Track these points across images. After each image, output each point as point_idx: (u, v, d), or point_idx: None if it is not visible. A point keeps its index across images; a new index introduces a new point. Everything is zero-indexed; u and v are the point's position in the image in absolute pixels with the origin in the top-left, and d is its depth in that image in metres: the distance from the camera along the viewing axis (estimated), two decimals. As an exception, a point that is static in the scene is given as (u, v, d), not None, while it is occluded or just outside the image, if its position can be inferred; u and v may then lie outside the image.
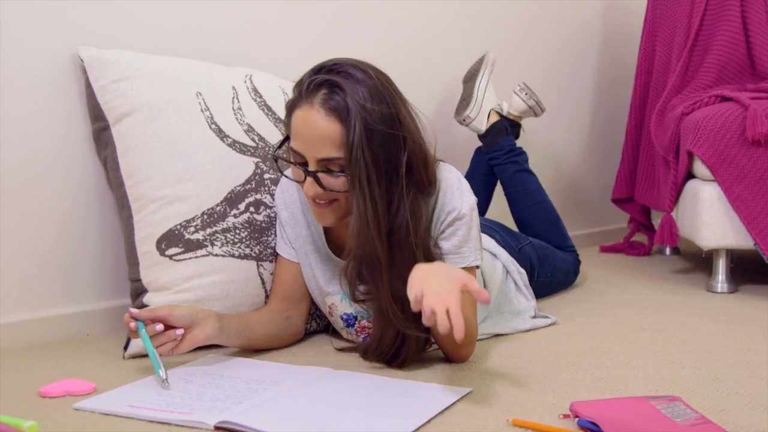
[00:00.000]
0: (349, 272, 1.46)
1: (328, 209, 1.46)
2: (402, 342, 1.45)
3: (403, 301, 1.37)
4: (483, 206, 2.41)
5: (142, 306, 1.58)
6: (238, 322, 1.53)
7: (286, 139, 1.47)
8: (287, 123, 1.45)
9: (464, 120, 2.40)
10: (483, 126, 2.40)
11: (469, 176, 2.38)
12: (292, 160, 1.44)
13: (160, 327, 1.39)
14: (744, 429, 1.17)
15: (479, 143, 2.46)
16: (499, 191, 2.43)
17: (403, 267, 1.39)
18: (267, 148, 1.74)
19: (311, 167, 1.40)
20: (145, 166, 1.63)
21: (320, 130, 1.37)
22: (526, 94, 2.43)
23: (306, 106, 1.39)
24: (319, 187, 1.41)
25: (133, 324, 1.39)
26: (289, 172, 1.53)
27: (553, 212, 2.32)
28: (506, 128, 2.40)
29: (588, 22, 3.15)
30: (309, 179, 1.41)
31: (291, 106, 1.43)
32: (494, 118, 2.41)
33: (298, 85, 1.43)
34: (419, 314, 1.27)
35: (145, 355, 1.53)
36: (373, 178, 1.37)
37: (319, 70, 1.41)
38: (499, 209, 2.45)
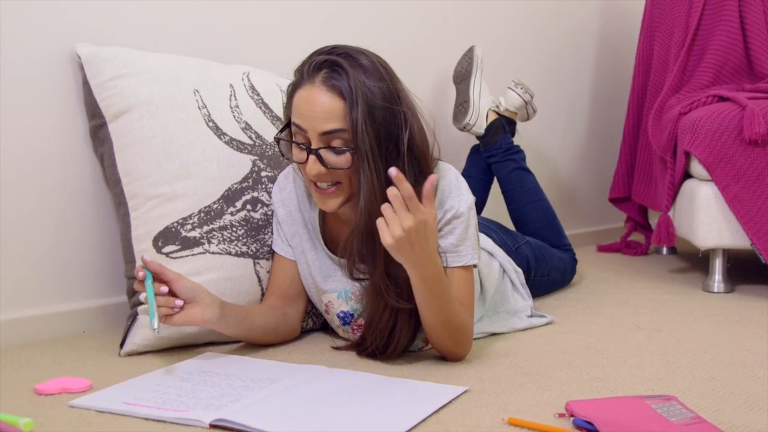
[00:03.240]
0: (350, 246, 1.46)
1: (332, 194, 1.45)
2: (394, 324, 1.46)
3: (397, 279, 1.43)
4: (480, 205, 2.42)
5: (139, 304, 1.58)
6: (239, 311, 1.53)
7: (288, 125, 1.47)
8: (288, 106, 1.45)
9: (465, 127, 2.39)
10: (483, 129, 2.39)
11: (466, 175, 2.38)
12: (294, 140, 1.44)
13: (164, 289, 1.39)
14: (739, 429, 1.17)
15: (475, 141, 2.46)
16: (496, 190, 2.43)
17: None
18: (264, 146, 1.74)
19: (314, 145, 1.40)
20: (142, 163, 1.63)
21: (323, 105, 1.37)
22: (521, 89, 2.43)
23: (308, 85, 1.40)
24: (321, 166, 1.40)
25: (141, 273, 1.38)
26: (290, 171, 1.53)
27: (549, 211, 2.32)
28: (504, 126, 2.40)
29: (586, 21, 3.15)
30: (311, 158, 1.40)
31: (293, 89, 1.44)
32: (492, 117, 2.41)
33: (299, 69, 1.44)
34: (411, 291, 1.39)
35: (141, 353, 1.55)
36: (377, 153, 1.38)
37: (319, 52, 1.43)
38: (497, 208, 2.45)
